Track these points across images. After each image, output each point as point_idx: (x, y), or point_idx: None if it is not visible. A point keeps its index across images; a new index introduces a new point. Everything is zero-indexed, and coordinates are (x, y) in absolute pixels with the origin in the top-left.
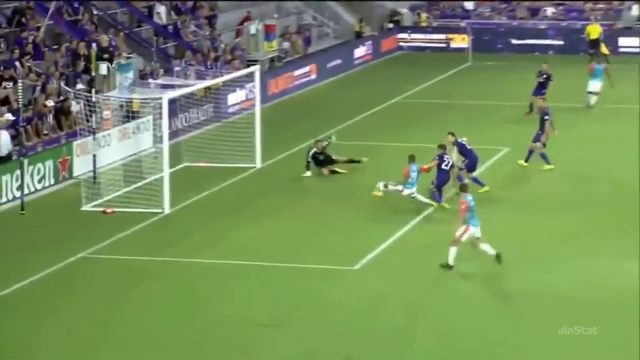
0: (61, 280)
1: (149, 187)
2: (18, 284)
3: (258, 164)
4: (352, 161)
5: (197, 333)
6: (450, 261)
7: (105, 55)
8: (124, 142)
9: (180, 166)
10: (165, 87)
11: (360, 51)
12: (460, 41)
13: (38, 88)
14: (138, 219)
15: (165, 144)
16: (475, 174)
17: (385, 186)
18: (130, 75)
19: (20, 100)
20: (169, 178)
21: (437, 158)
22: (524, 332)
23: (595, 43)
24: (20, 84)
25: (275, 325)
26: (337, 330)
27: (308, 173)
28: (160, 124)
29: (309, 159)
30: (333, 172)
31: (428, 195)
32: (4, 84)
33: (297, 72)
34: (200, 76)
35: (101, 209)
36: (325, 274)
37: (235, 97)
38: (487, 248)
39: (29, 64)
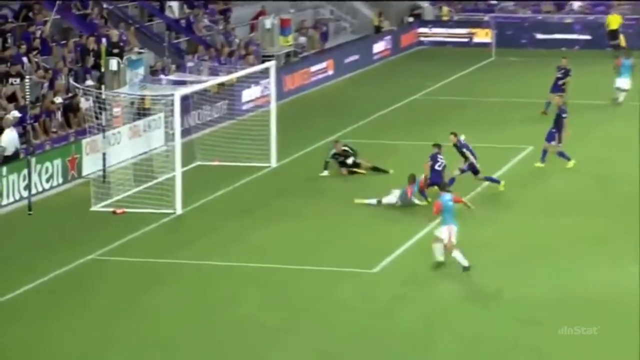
0: (70, 283)
1: (161, 186)
2: (25, 286)
3: (273, 163)
4: (377, 169)
5: (210, 338)
6: (464, 262)
7: (116, 51)
8: (135, 140)
9: (193, 165)
10: (178, 83)
11: (379, 46)
12: (483, 36)
13: (46, 84)
14: (149, 220)
15: (178, 142)
16: (481, 175)
17: (379, 202)
18: (141, 71)
19: (27, 97)
20: (181, 177)
21: (429, 159)
22: (547, 338)
23: (614, 34)
24: (27, 80)
25: (291, 330)
26: (354, 334)
27: (325, 172)
28: (172, 122)
29: (328, 159)
30: (352, 172)
31: (417, 195)
32: (10, 80)
33: (314, 68)
34: (213, 72)
35: (111, 209)
36: (343, 276)
37: (249, 94)
38: (439, 252)
39: (36, 60)
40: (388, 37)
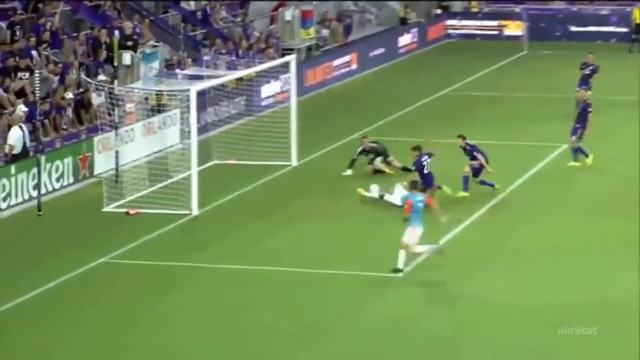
0: (81, 287)
1: (176, 186)
2: (34, 291)
3: (294, 161)
4: (407, 169)
5: (226, 345)
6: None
7: (129, 44)
8: (149, 137)
9: (210, 164)
10: (194, 78)
11: (405, 39)
12: (515, 28)
13: (56, 79)
14: (164, 221)
15: (194, 140)
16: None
17: (381, 197)
18: (156, 65)
19: (37, 92)
20: (198, 177)
21: (414, 167)
22: (577, 347)
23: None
24: (37, 75)
25: (311, 337)
26: (378, 342)
27: (349, 172)
28: (188, 118)
29: (355, 157)
30: (377, 171)
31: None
32: (19, 74)
33: (337, 62)
34: (231, 66)
35: (124, 210)
36: (366, 281)
37: (269, 89)
38: (400, 255)
39: (46, 53)
40: (414, 30)
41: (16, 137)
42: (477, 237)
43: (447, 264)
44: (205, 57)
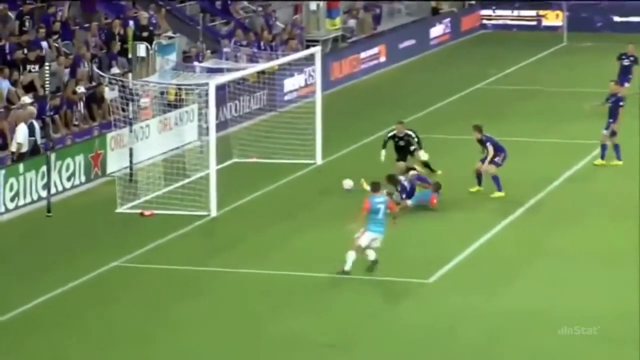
0: (93, 293)
1: (193, 186)
2: (44, 296)
3: (318, 160)
4: (427, 166)
5: (250, 355)
6: (346, 266)
7: (144, 35)
8: (165, 134)
9: (229, 162)
10: (213, 71)
11: (437, 30)
12: (554, 18)
13: (67, 72)
14: (181, 223)
15: (212, 137)
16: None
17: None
18: (173, 57)
19: (47, 86)
20: (216, 176)
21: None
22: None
23: None
24: (47, 68)
25: (342, 346)
26: (411, 351)
27: (383, 153)
28: (207, 114)
29: (386, 139)
30: (410, 169)
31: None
32: (28, 67)
33: (364, 54)
34: (252, 59)
35: (138, 211)
36: (396, 287)
37: (292, 83)
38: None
39: (56, 45)
40: (447, 20)
41: (23, 134)
42: (514, 239)
43: (484, 267)
44: (225, 49)
